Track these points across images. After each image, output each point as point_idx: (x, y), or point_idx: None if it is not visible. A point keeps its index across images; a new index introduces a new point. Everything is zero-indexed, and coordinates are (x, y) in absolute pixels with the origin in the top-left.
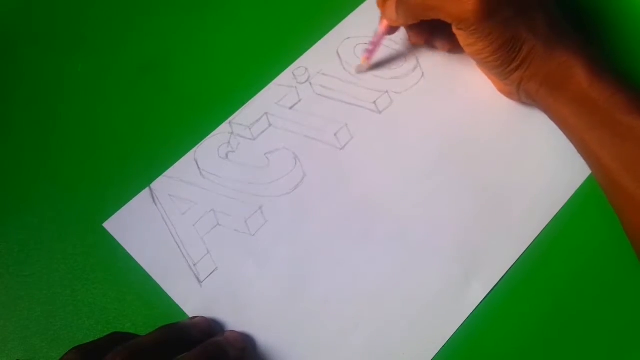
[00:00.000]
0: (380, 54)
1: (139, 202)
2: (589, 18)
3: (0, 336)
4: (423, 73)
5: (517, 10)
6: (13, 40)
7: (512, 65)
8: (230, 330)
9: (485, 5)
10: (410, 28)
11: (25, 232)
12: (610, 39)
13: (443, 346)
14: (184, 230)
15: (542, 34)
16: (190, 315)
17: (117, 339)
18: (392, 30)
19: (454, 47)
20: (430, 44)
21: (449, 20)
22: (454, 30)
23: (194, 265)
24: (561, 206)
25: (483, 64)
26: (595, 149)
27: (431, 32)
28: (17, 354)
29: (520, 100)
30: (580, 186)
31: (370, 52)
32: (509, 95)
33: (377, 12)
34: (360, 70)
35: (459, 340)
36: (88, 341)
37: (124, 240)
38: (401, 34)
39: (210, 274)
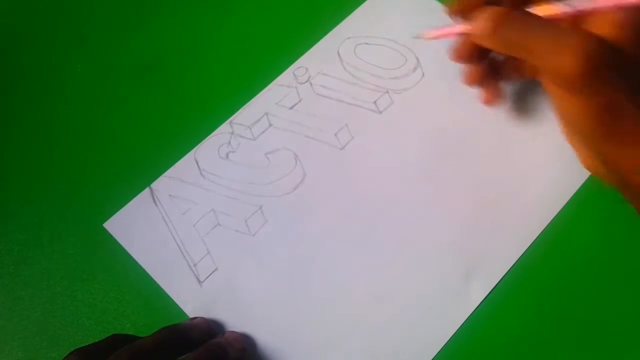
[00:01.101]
0: (380, 54)
1: (140, 202)
2: None
3: (0, 336)
4: (424, 73)
5: (626, 73)
6: (13, 40)
7: (610, 146)
8: (231, 331)
9: (592, 66)
10: (476, 62)
11: (25, 232)
12: None
13: (443, 346)
14: (184, 231)
15: None
16: (191, 315)
17: (117, 341)
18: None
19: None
20: (480, 86)
21: (546, 76)
22: (546, 85)
23: (194, 265)
24: (562, 206)
25: (572, 127)
26: None
27: (488, 74)
28: (17, 354)
29: (607, 181)
30: (581, 186)
31: (437, 35)
32: (594, 171)
33: (377, 12)
34: (416, 36)
35: (460, 341)
36: (88, 342)
37: (124, 241)
38: (402, 34)
39: (211, 274)
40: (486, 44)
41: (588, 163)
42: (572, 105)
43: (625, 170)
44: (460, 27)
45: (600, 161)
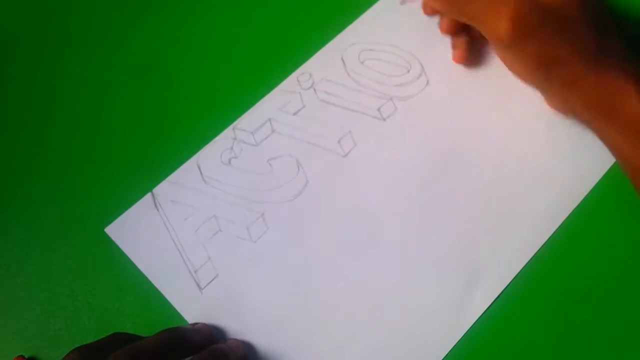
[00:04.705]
0: (384, 61)
1: (141, 208)
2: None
3: (0, 336)
4: (428, 80)
5: (556, 28)
6: (13, 40)
7: (553, 86)
8: (232, 339)
9: (519, 27)
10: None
11: (25, 233)
12: None
13: (445, 357)
14: (185, 236)
15: (586, 52)
16: (191, 322)
17: (119, 340)
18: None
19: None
20: (457, 36)
21: (486, 37)
22: (493, 46)
23: (195, 271)
24: (567, 215)
25: (523, 82)
26: None
27: (462, 26)
28: (17, 354)
29: (568, 117)
30: (586, 197)
31: None
32: (555, 110)
33: (382, 18)
34: (402, 2)
35: (461, 351)
36: (88, 342)
37: (125, 246)
38: (407, 41)
39: (211, 280)
40: (439, 7)
41: (550, 104)
42: (510, 59)
43: (575, 109)
44: None
45: (557, 103)
